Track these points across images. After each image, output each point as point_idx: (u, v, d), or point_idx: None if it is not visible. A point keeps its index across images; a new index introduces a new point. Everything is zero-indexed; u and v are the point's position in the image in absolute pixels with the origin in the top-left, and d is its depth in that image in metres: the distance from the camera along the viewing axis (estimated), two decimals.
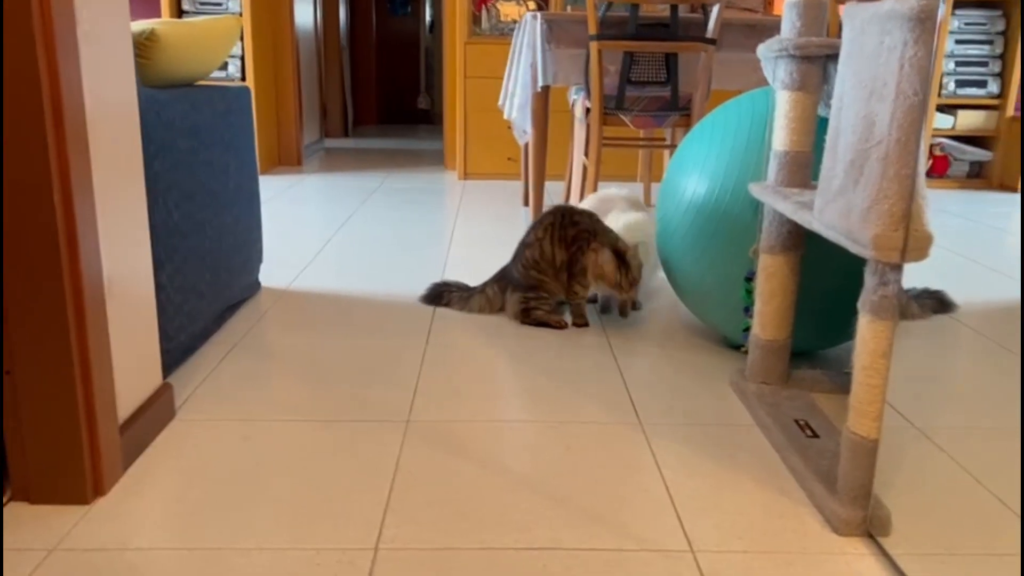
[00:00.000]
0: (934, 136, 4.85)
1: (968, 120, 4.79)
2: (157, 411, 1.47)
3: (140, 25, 1.67)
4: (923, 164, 1.10)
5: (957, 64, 4.75)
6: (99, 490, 1.27)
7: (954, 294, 2.44)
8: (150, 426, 1.44)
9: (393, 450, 1.44)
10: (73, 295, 1.19)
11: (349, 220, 3.46)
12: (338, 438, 1.48)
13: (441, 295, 2.28)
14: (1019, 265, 2.88)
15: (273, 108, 5.05)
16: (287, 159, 5.19)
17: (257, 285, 2.37)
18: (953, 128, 4.81)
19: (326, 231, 3.23)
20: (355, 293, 2.38)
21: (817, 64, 1.50)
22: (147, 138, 1.55)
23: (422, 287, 2.42)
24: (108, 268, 1.30)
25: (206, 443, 1.45)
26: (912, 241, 1.09)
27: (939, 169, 4.85)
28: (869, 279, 1.15)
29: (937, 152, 4.83)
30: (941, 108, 4.86)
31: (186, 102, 1.77)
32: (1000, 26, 4.71)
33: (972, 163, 4.86)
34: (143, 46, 1.65)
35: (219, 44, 1.94)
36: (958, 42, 4.72)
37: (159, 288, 1.61)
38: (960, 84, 4.76)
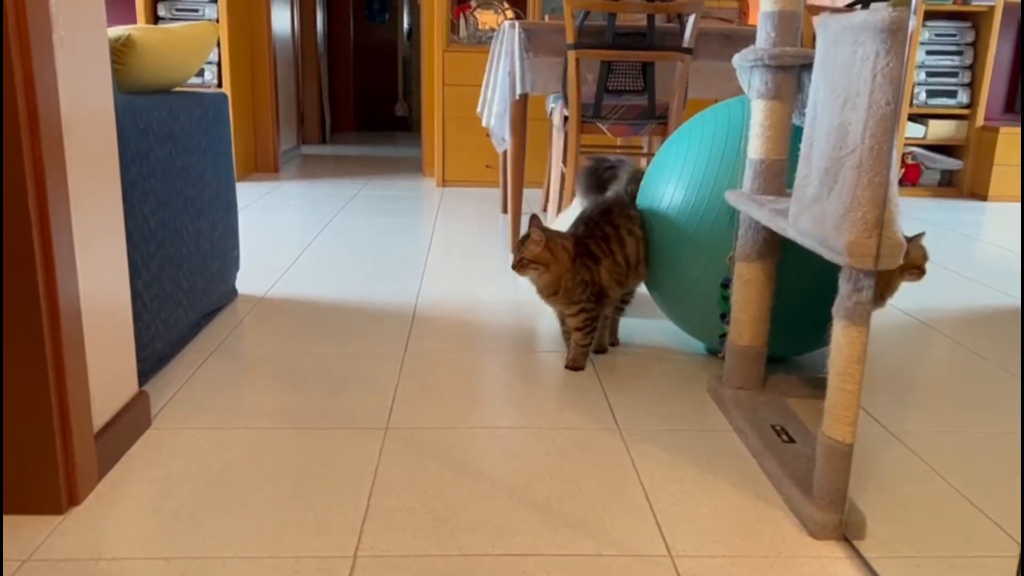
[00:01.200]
0: (906, 145, 4.92)
1: (939, 130, 4.87)
2: (133, 419, 1.46)
3: (116, 31, 1.66)
4: (895, 172, 1.12)
5: (928, 75, 4.83)
6: (73, 499, 1.25)
7: (927, 300, 2.47)
8: (125, 434, 1.43)
9: (372, 457, 1.43)
10: (48, 303, 1.18)
11: (327, 227, 3.46)
12: (316, 445, 1.47)
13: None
14: (1006, 275, 2.92)
15: (250, 114, 5.02)
16: (264, 166, 5.17)
17: (234, 292, 2.36)
18: (924, 137, 4.88)
19: (303, 238, 3.22)
20: (333, 301, 2.38)
21: (792, 74, 1.52)
22: (123, 144, 1.54)
23: (401, 293, 2.41)
24: (83, 276, 1.29)
25: (182, 451, 1.44)
26: (885, 248, 1.10)
27: (911, 177, 4.92)
28: (843, 285, 1.16)
29: (909, 160, 4.90)
30: (912, 117, 4.94)
31: (163, 108, 1.76)
32: (969, 37, 4.80)
33: (943, 171, 4.94)
34: (119, 52, 1.63)
35: (196, 50, 1.93)
36: (929, 53, 4.80)
37: (135, 295, 1.59)
38: (931, 94, 4.84)
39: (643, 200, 1.97)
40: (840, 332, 1.17)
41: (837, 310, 1.17)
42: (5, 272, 1.15)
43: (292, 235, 3.29)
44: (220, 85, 4.50)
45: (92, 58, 1.31)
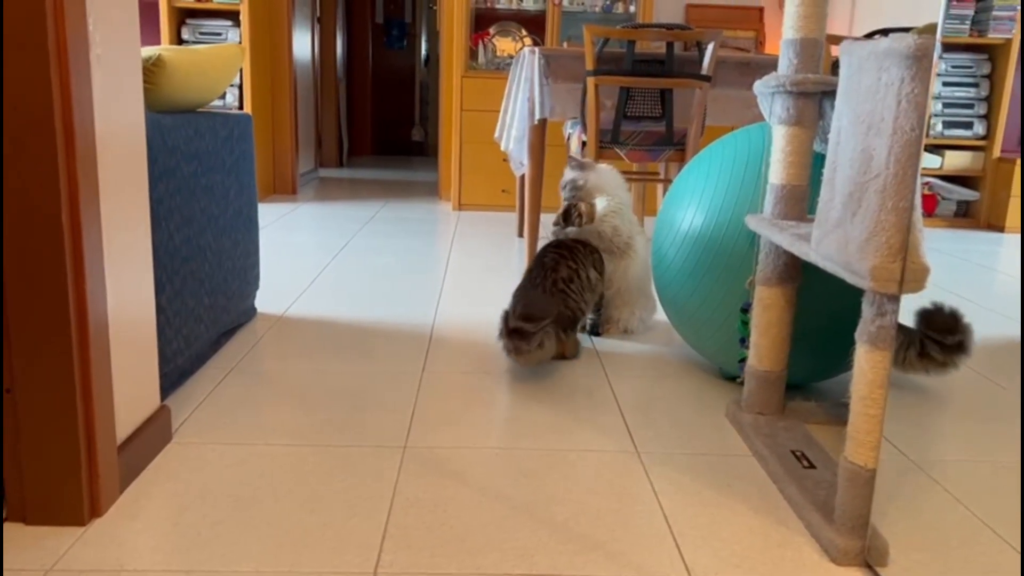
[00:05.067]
0: (922, 175, 4.92)
1: (955, 160, 4.87)
2: (154, 433, 1.47)
3: (147, 51, 1.69)
4: (919, 197, 1.12)
5: (944, 105, 4.84)
6: (96, 511, 1.26)
7: None
8: (147, 448, 1.44)
9: (390, 475, 1.43)
10: (77, 316, 1.19)
11: (344, 249, 3.47)
12: (335, 462, 1.48)
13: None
14: (1017, 302, 2.91)
15: (270, 136, 5.07)
16: (282, 187, 5.21)
17: (253, 311, 2.37)
18: (941, 168, 4.88)
19: (322, 259, 3.24)
20: (350, 321, 2.38)
21: (813, 100, 1.53)
22: (151, 162, 1.56)
23: (417, 314, 2.42)
24: (112, 290, 1.30)
25: (202, 466, 1.44)
26: (909, 272, 1.10)
27: (928, 208, 4.91)
28: (867, 310, 1.16)
29: (926, 191, 4.90)
30: (929, 148, 4.94)
31: (190, 127, 1.78)
32: (985, 69, 4.81)
33: (960, 202, 4.93)
34: (149, 71, 1.66)
35: (222, 71, 1.97)
36: (945, 84, 4.82)
37: (158, 310, 1.61)
38: (947, 125, 4.85)
39: (662, 225, 1.98)
40: (863, 357, 1.16)
41: (860, 335, 1.17)
42: (36, 285, 1.17)
43: (310, 256, 3.30)
44: (241, 107, 4.55)
45: (126, 76, 1.34)
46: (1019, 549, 1.26)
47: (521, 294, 2.05)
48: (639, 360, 2.13)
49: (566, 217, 2.17)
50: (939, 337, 1.87)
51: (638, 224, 2.31)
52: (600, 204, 2.23)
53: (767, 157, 1.72)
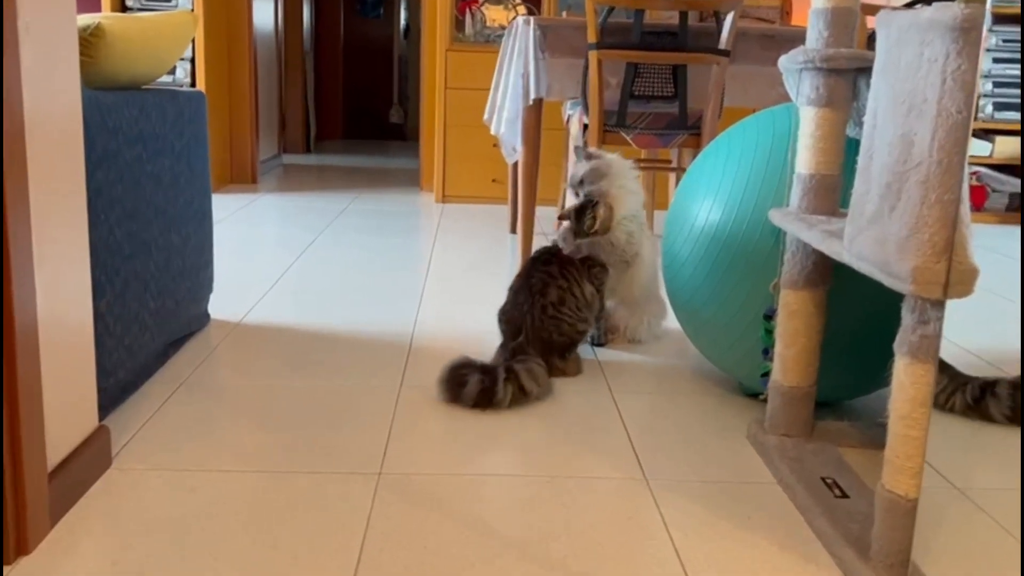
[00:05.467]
0: (970, 164, 4.94)
1: (1007, 147, 4.89)
2: (92, 457, 1.46)
3: (85, 19, 1.68)
4: (966, 189, 1.12)
5: (995, 85, 4.86)
6: (23, 548, 1.25)
7: (993, 340, 2.46)
8: (83, 474, 1.43)
9: (363, 505, 1.42)
10: (2, 325, 1.18)
11: (311, 246, 3.47)
12: (300, 491, 1.47)
13: None
14: None
15: (226, 118, 5.07)
16: (240, 176, 5.21)
17: (206, 317, 2.36)
18: (991, 156, 4.90)
19: (285, 258, 3.24)
20: (318, 328, 2.38)
21: (846, 78, 1.53)
22: (89, 146, 1.56)
23: (395, 321, 2.41)
24: (42, 295, 1.29)
25: (147, 495, 1.43)
26: (955, 274, 1.10)
27: (976, 201, 4.93)
28: (907, 317, 1.16)
29: (974, 182, 4.91)
30: (978, 133, 4.96)
31: (134, 106, 1.78)
32: None
33: (1012, 195, 4.95)
34: (87, 42, 1.66)
35: (172, 42, 1.96)
36: (996, 60, 4.83)
37: (97, 317, 1.60)
38: (998, 107, 4.87)
39: (674, 220, 1.98)
40: (903, 370, 1.16)
41: (899, 345, 1.17)
42: None
43: (272, 254, 3.30)
44: (194, 84, 4.54)
45: (59, 49, 1.33)
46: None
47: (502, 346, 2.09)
48: (648, 374, 2.13)
49: (579, 217, 2.13)
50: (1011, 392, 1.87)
51: (646, 224, 2.30)
52: (619, 207, 2.19)
53: (794, 143, 1.72)
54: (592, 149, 2.32)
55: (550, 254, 2.14)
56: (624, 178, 2.23)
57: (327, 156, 7.13)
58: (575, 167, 2.29)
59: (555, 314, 2.05)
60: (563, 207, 3.82)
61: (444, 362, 1.89)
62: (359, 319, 2.48)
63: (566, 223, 2.18)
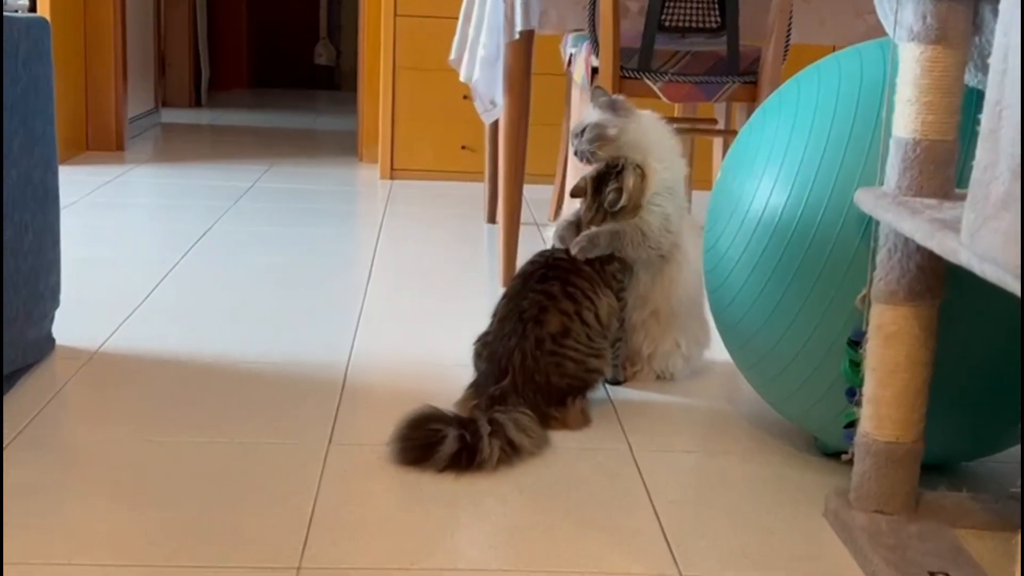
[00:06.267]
0: None
1: None
2: None
3: None
4: None
5: None
6: None
7: None
8: None
9: None
10: None
11: (203, 239, 3.46)
12: None
13: None
14: None
15: (80, 57, 5.08)
16: (100, 141, 5.23)
17: (49, 342, 2.33)
18: None
19: (166, 257, 3.21)
20: (211, 361, 2.36)
21: (966, 5, 1.52)
22: None
23: (322, 349, 2.40)
24: None
25: None
26: None
27: None
28: None
29: None
30: None
31: None
32: None
33: None
34: None
35: None
36: None
37: None
38: None
39: (720, 205, 1.99)
40: None
41: None
42: None
43: (144, 253, 3.29)
44: (34, 8, 4.51)
45: None
46: None
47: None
48: (683, 424, 2.14)
49: (598, 187, 2.09)
50: None
51: (687, 206, 2.23)
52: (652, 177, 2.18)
53: (890, 96, 1.70)
54: (618, 97, 2.28)
55: (548, 265, 2.12)
56: (658, 133, 2.23)
57: (225, 112, 7.19)
58: (584, 113, 2.28)
59: (555, 348, 2.02)
60: (562, 183, 3.72)
61: (392, 410, 1.87)
62: (271, 348, 2.46)
63: (576, 203, 2.13)
